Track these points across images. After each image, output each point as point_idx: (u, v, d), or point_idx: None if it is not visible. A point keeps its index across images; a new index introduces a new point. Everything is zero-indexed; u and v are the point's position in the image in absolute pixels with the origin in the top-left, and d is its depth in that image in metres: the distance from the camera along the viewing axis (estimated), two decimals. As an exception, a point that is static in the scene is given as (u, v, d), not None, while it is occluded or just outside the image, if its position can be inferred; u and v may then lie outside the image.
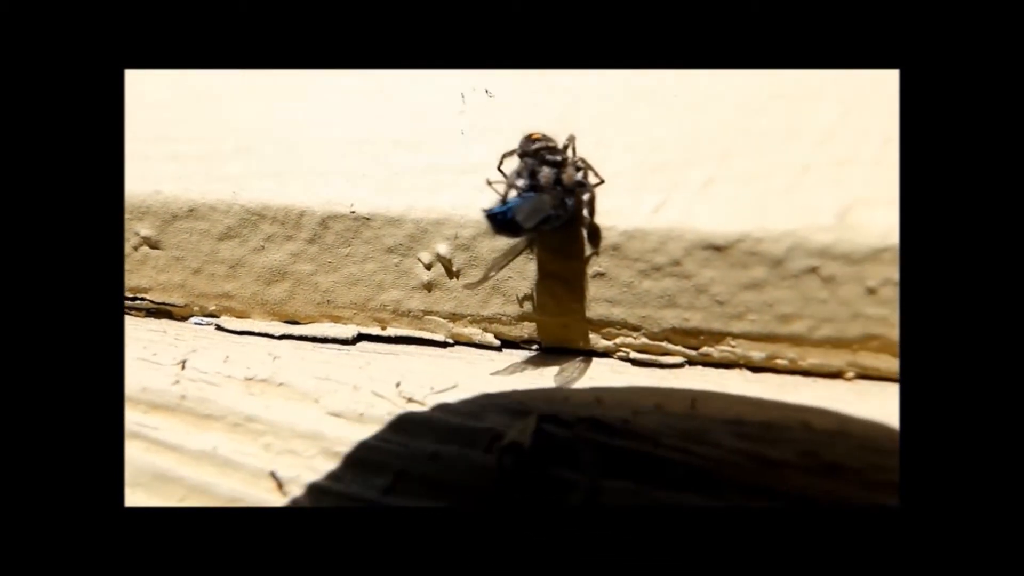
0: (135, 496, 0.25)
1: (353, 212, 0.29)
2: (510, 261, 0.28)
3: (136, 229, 0.32)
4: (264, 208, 0.30)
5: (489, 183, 0.29)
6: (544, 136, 0.28)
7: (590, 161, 0.28)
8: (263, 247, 0.31)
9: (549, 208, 0.27)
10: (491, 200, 0.29)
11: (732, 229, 0.27)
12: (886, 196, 0.26)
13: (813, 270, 0.27)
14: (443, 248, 0.29)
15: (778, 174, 0.27)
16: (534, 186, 0.27)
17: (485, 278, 0.28)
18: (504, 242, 0.28)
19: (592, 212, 0.28)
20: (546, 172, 0.27)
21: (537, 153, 0.28)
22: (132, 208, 0.32)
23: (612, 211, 0.28)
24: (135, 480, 0.26)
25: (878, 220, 0.26)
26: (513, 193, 0.27)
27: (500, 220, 0.25)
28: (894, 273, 0.26)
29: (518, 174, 0.27)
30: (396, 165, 0.30)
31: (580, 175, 0.28)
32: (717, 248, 0.27)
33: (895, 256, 0.26)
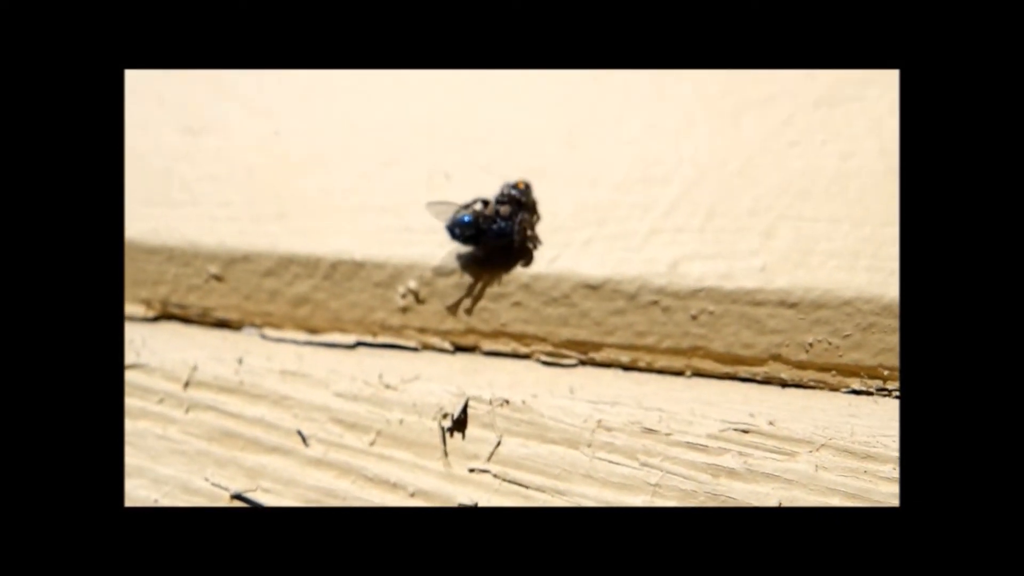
0: (212, 447, 0.40)
1: (352, 259, 0.43)
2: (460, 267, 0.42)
3: (208, 268, 0.46)
4: (293, 256, 0.44)
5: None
6: (527, 186, 0.41)
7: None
8: (292, 282, 0.45)
9: (481, 224, 0.40)
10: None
11: (601, 274, 0.40)
12: (702, 253, 0.39)
13: (655, 302, 0.40)
14: (413, 284, 0.43)
15: (634, 236, 0.40)
16: (478, 212, 0.40)
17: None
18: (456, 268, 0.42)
19: (527, 241, 0.41)
20: (491, 204, 0.41)
21: (501, 196, 0.41)
22: (206, 254, 0.46)
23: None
24: (211, 437, 0.40)
25: (695, 270, 0.39)
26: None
27: (448, 228, 0.40)
28: (708, 305, 0.39)
29: (475, 201, 0.41)
30: (383, 226, 0.44)
31: (518, 213, 0.40)
32: (592, 287, 0.40)
33: (708, 294, 0.39)
